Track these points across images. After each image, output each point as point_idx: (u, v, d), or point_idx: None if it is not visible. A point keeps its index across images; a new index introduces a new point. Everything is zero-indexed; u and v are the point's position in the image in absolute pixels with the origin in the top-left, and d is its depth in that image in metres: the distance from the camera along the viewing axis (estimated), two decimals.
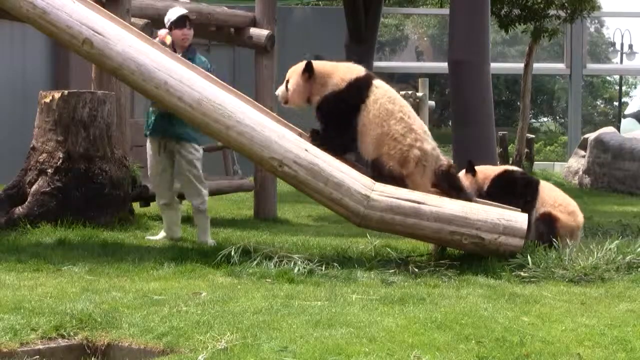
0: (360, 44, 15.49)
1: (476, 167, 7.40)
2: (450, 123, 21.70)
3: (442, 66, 17.18)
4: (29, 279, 5.80)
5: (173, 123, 7.56)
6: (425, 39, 34.20)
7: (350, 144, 6.87)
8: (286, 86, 7.05)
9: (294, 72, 7.03)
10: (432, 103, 28.20)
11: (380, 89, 6.88)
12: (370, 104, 6.78)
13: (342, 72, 6.94)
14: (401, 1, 35.37)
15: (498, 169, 7.68)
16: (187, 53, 7.58)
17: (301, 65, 6.99)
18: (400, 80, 34.24)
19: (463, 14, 10.49)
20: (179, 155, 7.69)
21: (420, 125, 6.93)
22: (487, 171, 7.46)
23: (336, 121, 6.84)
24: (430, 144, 6.82)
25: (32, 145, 8.42)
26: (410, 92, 26.75)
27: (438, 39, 32.25)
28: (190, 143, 7.69)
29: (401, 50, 34.77)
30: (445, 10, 16.95)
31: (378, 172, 6.73)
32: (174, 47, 7.57)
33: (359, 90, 6.83)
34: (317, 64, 6.97)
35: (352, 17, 15.53)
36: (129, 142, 9.09)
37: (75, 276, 5.98)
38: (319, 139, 6.85)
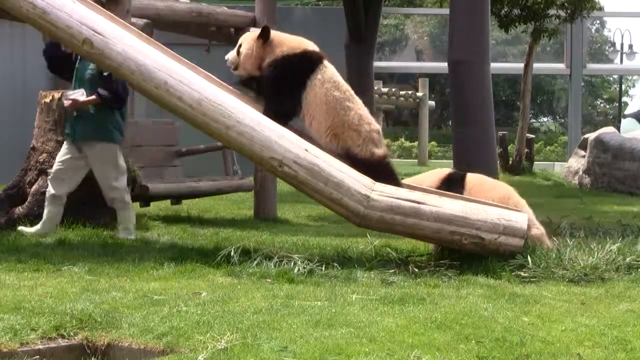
0: (360, 44, 15.47)
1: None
2: (450, 123, 21.73)
3: (442, 66, 17.16)
4: (29, 279, 5.80)
5: (78, 123, 7.63)
6: (425, 39, 34.21)
7: (294, 112, 6.91)
8: (238, 51, 7.01)
9: (248, 37, 7.03)
10: (432, 103, 28.28)
11: (329, 69, 6.92)
12: (317, 84, 6.82)
13: (298, 40, 7.01)
14: (401, 1, 35.39)
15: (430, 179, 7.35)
16: None
17: (256, 31, 7.01)
18: (400, 80, 34.28)
19: (463, 14, 10.47)
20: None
21: (361, 104, 7.02)
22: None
23: (285, 85, 6.84)
24: (374, 120, 7.00)
25: (32, 145, 8.43)
26: (410, 92, 26.82)
27: (438, 39, 32.25)
28: (97, 142, 7.63)
29: (401, 50, 34.79)
30: (445, 10, 16.94)
31: (366, 165, 6.75)
32: None
33: (311, 60, 6.89)
34: (273, 32, 7.00)
35: (352, 17, 15.51)
36: (129, 142, 9.09)
37: (75, 276, 5.98)
38: (268, 104, 6.85)
